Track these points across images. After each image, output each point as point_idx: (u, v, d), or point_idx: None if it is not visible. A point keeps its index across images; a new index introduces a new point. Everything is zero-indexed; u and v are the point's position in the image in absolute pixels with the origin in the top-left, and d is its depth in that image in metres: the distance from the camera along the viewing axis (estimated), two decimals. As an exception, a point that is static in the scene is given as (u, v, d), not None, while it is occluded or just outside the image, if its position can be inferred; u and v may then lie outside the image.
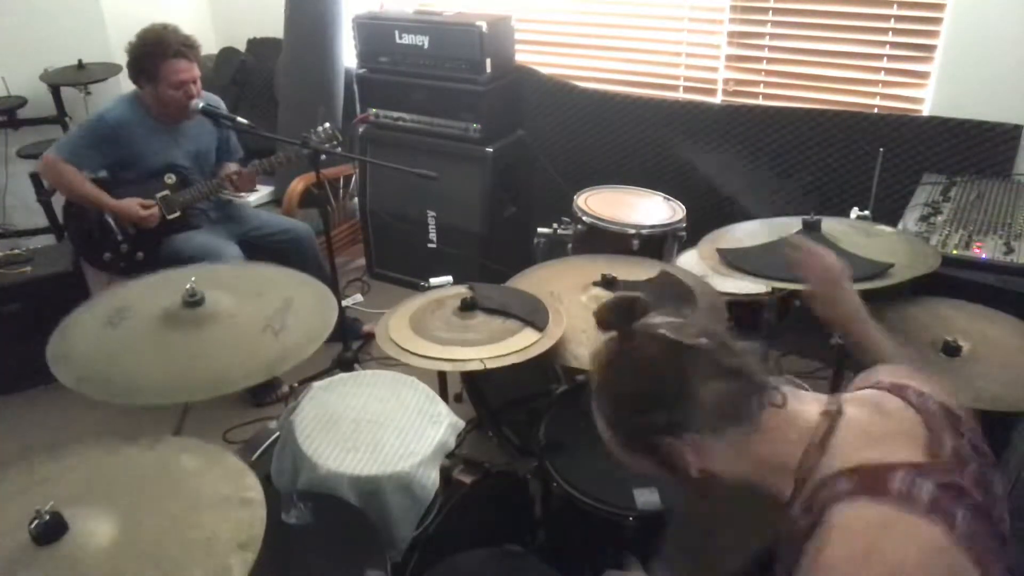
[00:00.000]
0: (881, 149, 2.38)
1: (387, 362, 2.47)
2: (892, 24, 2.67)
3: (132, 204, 2.63)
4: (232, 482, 1.22)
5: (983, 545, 0.84)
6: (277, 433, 1.81)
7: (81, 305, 1.74)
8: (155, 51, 2.58)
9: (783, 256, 1.88)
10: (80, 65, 3.66)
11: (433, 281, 2.12)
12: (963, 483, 0.87)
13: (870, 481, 0.86)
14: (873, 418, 0.95)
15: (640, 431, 0.99)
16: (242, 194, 3.09)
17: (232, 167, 2.82)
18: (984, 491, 0.89)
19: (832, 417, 0.94)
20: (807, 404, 0.98)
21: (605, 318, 1.04)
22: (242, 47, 4.07)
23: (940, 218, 2.24)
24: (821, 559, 0.83)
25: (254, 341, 1.59)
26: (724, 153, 3.00)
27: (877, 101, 2.79)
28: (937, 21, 2.58)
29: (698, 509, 1.12)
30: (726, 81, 3.06)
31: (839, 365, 2.04)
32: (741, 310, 2.26)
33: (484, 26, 3.01)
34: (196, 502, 1.18)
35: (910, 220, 2.24)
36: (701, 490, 1.01)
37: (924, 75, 2.68)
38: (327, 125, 2.66)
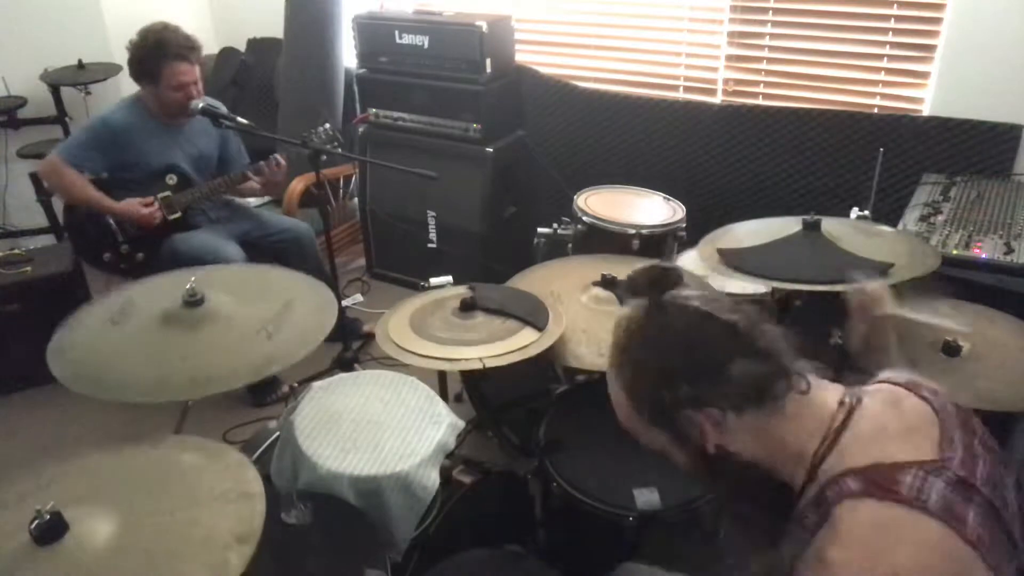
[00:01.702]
0: (881, 149, 2.38)
1: (387, 362, 2.47)
2: (892, 24, 2.67)
3: (132, 204, 2.63)
4: (232, 476, 1.22)
5: (993, 546, 0.83)
6: (277, 433, 1.80)
7: (89, 303, 1.74)
8: (156, 52, 2.58)
9: (783, 256, 1.89)
10: (80, 65, 3.66)
11: (433, 281, 2.12)
12: (975, 481, 0.86)
13: (880, 481, 0.85)
14: (888, 412, 0.94)
15: (661, 403, 0.97)
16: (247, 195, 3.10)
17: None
18: (995, 490, 0.88)
19: (849, 408, 0.94)
20: (829, 393, 0.97)
21: (636, 285, 1.02)
22: (242, 47, 4.07)
23: (940, 218, 2.24)
24: (826, 559, 0.83)
25: (247, 342, 1.59)
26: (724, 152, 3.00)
27: (877, 101, 2.80)
28: (937, 21, 2.58)
29: (707, 490, 1.10)
30: (726, 81, 3.06)
31: (839, 365, 2.04)
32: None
33: (484, 26, 3.01)
34: (196, 498, 1.18)
35: (910, 220, 2.24)
36: (712, 467, 0.99)
37: (924, 75, 2.68)
38: (327, 126, 2.66)
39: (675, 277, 1.01)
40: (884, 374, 1.07)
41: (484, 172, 3.22)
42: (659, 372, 0.97)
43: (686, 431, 0.97)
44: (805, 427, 0.94)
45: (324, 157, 2.52)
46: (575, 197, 2.72)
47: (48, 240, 3.74)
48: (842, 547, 0.82)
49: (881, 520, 0.82)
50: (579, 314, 1.94)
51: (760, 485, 0.98)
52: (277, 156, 2.76)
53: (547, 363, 2.12)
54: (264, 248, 2.93)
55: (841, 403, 0.95)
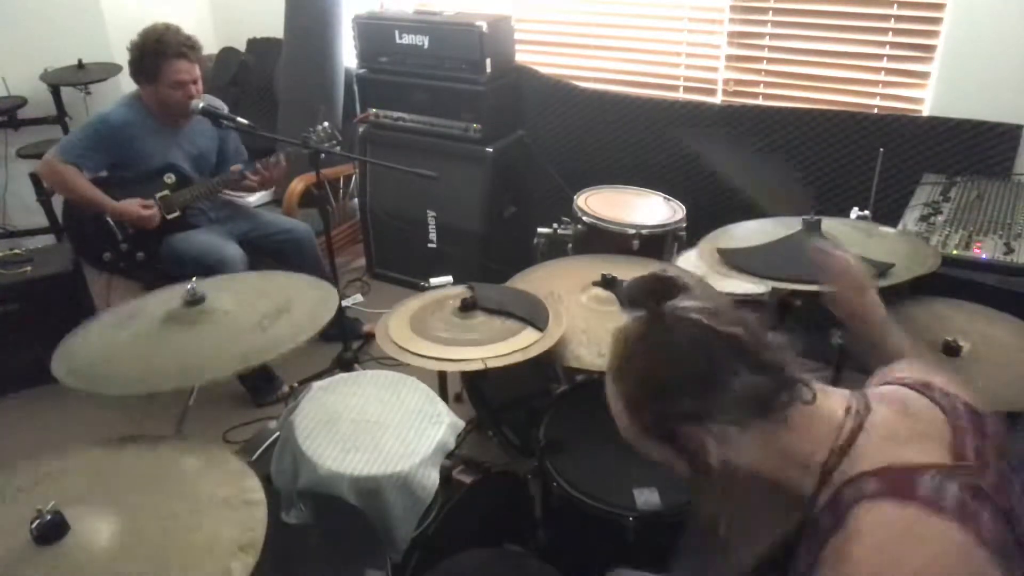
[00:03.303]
0: (881, 149, 2.38)
1: (387, 362, 2.47)
2: (892, 24, 2.67)
3: (132, 204, 2.63)
4: (233, 484, 1.22)
5: (1006, 549, 0.83)
6: (277, 433, 1.80)
7: (99, 315, 1.76)
8: (156, 51, 2.58)
9: (783, 256, 1.89)
10: (80, 65, 3.66)
11: (433, 281, 2.12)
12: (985, 486, 0.86)
13: (896, 483, 0.85)
14: (900, 417, 0.94)
15: (662, 417, 0.95)
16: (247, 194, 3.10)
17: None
18: (1006, 495, 0.88)
19: (860, 415, 0.93)
20: (835, 400, 0.96)
21: (635, 295, 0.98)
22: (242, 47, 4.07)
23: (940, 218, 2.24)
24: (844, 558, 0.82)
25: (242, 335, 1.60)
26: (724, 152, 3.00)
27: (877, 101, 2.80)
28: (937, 21, 2.58)
29: (709, 502, 1.06)
30: (726, 81, 3.06)
31: (839, 365, 2.04)
32: (741, 310, 2.26)
33: (484, 26, 3.01)
34: (197, 503, 1.18)
35: (910, 220, 2.24)
36: (718, 482, 0.97)
37: (924, 75, 2.68)
38: (326, 124, 2.65)
39: (675, 287, 0.97)
40: (897, 370, 1.06)
41: (484, 172, 3.23)
42: (659, 386, 0.95)
43: (687, 445, 0.95)
44: (812, 437, 0.92)
45: (323, 156, 2.52)
46: (575, 197, 2.72)
47: (48, 240, 3.73)
48: (861, 546, 0.82)
49: (900, 521, 0.82)
50: (579, 314, 1.94)
51: (764, 496, 0.96)
52: (280, 156, 2.76)
53: (547, 363, 2.12)
54: (264, 248, 2.93)
55: (848, 410, 0.94)
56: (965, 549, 0.81)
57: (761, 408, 0.92)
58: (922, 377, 1.01)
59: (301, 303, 1.73)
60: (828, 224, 1.99)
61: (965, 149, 2.59)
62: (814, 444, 0.92)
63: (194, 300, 1.65)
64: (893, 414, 0.94)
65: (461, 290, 2.01)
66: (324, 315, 1.68)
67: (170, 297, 1.72)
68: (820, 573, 0.86)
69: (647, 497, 1.58)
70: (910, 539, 0.81)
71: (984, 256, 2.01)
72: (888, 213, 2.46)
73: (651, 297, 0.97)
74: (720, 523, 1.06)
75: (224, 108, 2.80)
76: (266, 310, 1.68)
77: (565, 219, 2.79)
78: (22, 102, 3.72)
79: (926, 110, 2.69)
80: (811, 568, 0.89)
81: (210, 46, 3.68)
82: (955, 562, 0.80)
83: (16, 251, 3.03)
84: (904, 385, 1.00)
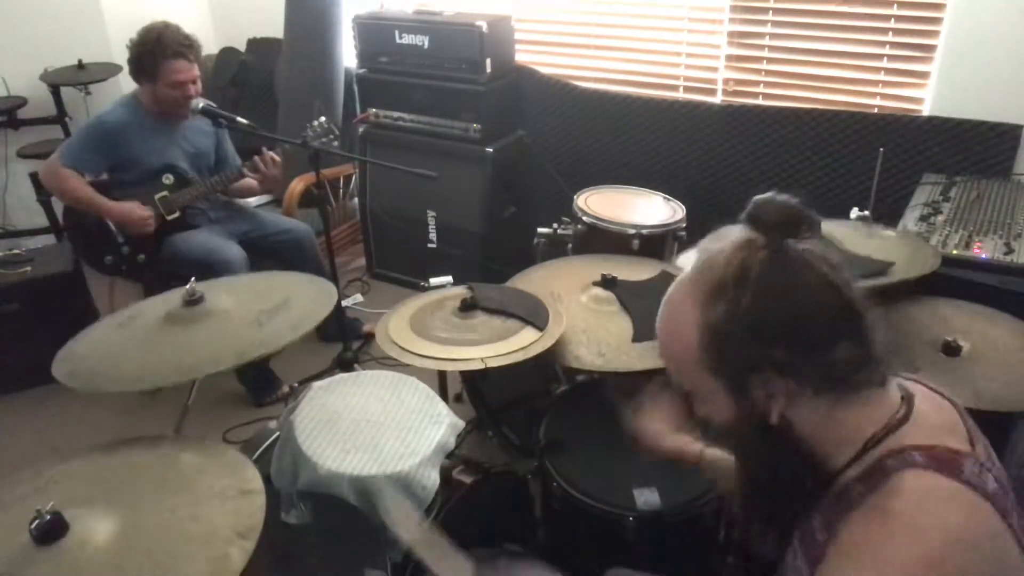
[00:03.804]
0: (881, 149, 2.38)
1: (387, 362, 2.47)
2: (892, 24, 2.67)
3: (131, 206, 2.63)
4: (232, 474, 1.22)
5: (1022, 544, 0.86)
6: (277, 433, 1.81)
7: (104, 319, 1.76)
8: (154, 50, 2.58)
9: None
10: (80, 65, 3.67)
11: (433, 281, 2.12)
12: (1002, 479, 0.89)
13: (944, 461, 0.85)
14: (935, 411, 0.94)
15: (747, 357, 0.88)
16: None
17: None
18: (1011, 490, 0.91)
19: (911, 404, 0.92)
20: (894, 387, 0.94)
21: (763, 217, 0.90)
22: (242, 47, 4.07)
23: (940, 218, 2.24)
24: (887, 510, 0.82)
25: (239, 331, 1.60)
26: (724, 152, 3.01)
27: (877, 101, 2.80)
28: (937, 21, 2.58)
29: (736, 450, 1.03)
30: (726, 81, 3.06)
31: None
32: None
33: (484, 26, 3.01)
34: (196, 495, 1.18)
35: (910, 220, 2.24)
36: (759, 435, 0.93)
37: (924, 75, 2.68)
38: (323, 119, 2.65)
39: (809, 224, 0.90)
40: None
41: (484, 172, 3.23)
42: (761, 325, 0.86)
43: (752, 391, 0.90)
44: (867, 417, 0.91)
45: (323, 156, 2.52)
46: (575, 197, 2.72)
47: (48, 240, 3.74)
48: (905, 501, 0.82)
49: (944, 490, 0.83)
50: (579, 314, 1.94)
51: (798, 461, 0.94)
52: (271, 153, 2.76)
53: (547, 363, 2.12)
54: (264, 248, 2.92)
55: (903, 398, 0.93)
56: (1000, 534, 0.83)
57: (844, 381, 0.89)
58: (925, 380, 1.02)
59: (299, 299, 1.73)
60: (828, 225, 1.99)
61: (965, 149, 2.59)
62: (867, 424, 0.91)
63: (193, 300, 1.66)
64: (931, 408, 0.94)
65: (461, 290, 2.01)
66: (322, 310, 1.68)
67: (171, 298, 1.72)
68: (845, 534, 0.86)
69: (647, 497, 1.58)
70: (950, 504, 0.82)
71: (984, 256, 2.01)
72: (888, 213, 2.46)
73: (781, 227, 0.89)
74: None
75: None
76: (264, 307, 1.68)
77: (565, 219, 2.78)
78: (22, 102, 3.72)
79: (926, 110, 2.69)
80: (830, 536, 0.88)
81: (210, 46, 3.68)
82: (986, 538, 0.82)
83: (16, 251, 3.04)
84: (920, 384, 1.01)
